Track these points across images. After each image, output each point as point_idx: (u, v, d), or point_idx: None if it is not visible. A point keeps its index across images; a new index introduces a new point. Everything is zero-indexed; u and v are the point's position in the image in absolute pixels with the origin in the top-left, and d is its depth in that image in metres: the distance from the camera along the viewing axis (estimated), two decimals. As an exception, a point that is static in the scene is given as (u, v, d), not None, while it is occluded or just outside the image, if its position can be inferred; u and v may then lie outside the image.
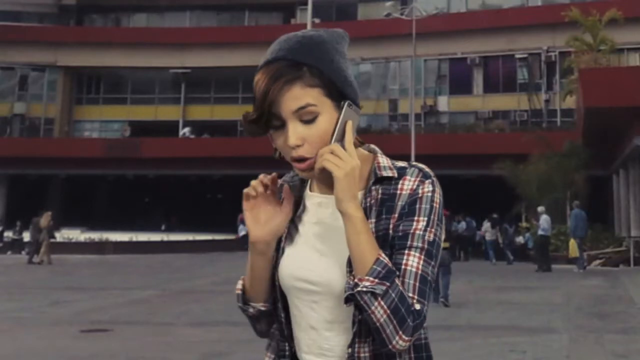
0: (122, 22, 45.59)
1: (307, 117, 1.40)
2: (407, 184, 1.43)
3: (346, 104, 1.42)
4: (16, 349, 8.29)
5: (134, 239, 29.94)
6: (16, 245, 29.07)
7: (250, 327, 1.68)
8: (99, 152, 37.08)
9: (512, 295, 13.65)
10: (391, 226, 1.41)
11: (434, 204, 1.42)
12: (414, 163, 1.48)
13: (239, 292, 1.61)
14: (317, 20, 25.72)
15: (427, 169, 1.46)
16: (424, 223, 1.40)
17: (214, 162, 35.64)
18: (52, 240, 23.75)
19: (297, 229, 1.53)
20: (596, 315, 10.92)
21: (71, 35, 42.41)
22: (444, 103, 38.40)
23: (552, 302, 12.61)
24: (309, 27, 21.00)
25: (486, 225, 25.63)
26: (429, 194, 1.42)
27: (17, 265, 22.66)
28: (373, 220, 1.42)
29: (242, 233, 32.65)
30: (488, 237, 25.26)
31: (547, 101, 36.67)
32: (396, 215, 1.42)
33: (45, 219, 23.58)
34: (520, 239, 26.01)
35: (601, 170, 28.25)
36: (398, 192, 1.43)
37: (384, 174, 1.45)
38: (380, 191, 1.44)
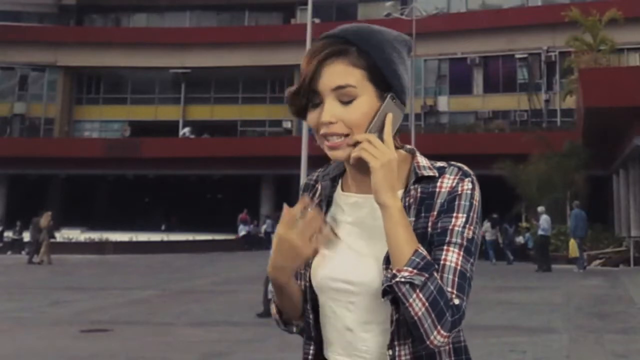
0: (122, 22, 45.60)
1: (346, 99, 1.39)
2: (447, 182, 1.42)
3: (389, 95, 1.41)
4: (16, 349, 8.29)
5: (134, 239, 29.92)
6: (16, 245, 29.06)
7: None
8: (99, 152, 37.07)
9: (512, 295, 13.65)
10: (430, 224, 1.39)
11: (474, 202, 1.40)
12: (452, 162, 1.47)
13: (276, 317, 1.59)
14: (317, 20, 25.65)
15: (466, 168, 1.45)
16: (463, 220, 1.38)
17: (214, 162, 35.63)
18: (52, 240, 23.75)
19: (330, 229, 1.50)
20: (596, 315, 10.92)
21: (71, 35, 42.42)
22: (444, 103, 38.41)
23: (552, 302, 12.61)
24: (308, 27, 20.96)
25: (486, 225, 25.60)
26: (469, 192, 1.41)
27: (17, 265, 22.65)
28: (412, 219, 1.40)
29: (242, 233, 32.70)
30: (488, 237, 25.23)
31: (547, 101, 36.67)
32: (435, 213, 1.40)
33: (45, 219, 23.57)
34: (520, 239, 26.00)
35: (601, 170, 28.25)
36: (437, 190, 1.41)
37: (425, 173, 1.43)
38: (419, 190, 1.43)
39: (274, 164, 33.40)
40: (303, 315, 1.55)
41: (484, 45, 36.73)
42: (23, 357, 7.96)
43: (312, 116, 1.42)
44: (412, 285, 1.29)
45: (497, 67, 37.65)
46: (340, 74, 1.38)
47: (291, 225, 1.41)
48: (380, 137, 1.38)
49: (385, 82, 1.42)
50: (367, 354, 1.42)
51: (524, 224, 27.02)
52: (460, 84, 38.09)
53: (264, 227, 33.11)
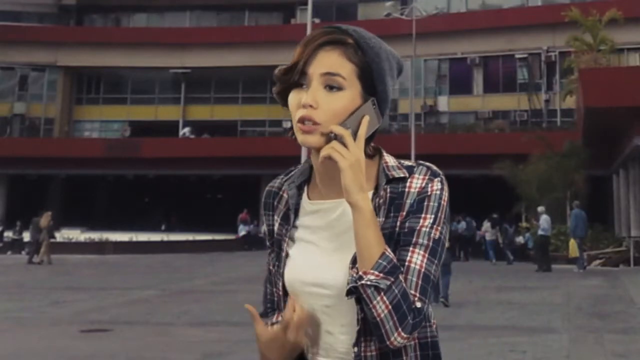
0: (122, 22, 45.59)
1: (332, 87, 1.40)
2: (416, 182, 1.43)
3: (371, 100, 1.42)
4: (16, 349, 8.29)
5: (134, 239, 29.92)
6: (16, 245, 29.05)
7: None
8: (99, 152, 37.08)
9: (512, 295, 13.65)
10: (398, 223, 1.41)
11: (442, 202, 1.42)
12: (421, 162, 1.48)
13: None
14: (317, 20, 25.69)
15: (435, 168, 1.46)
16: (431, 220, 1.40)
17: (214, 162, 35.63)
18: (52, 240, 23.74)
19: (301, 235, 1.51)
20: (596, 315, 10.92)
21: (71, 35, 42.42)
22: (444, 103, 38.41)
23: (552, 302, 12.61)
24: (308, 27, 20.98)
25: (486, 225, 25.63)
26: (438, 192, 1.42)
27: (17, 265, 22.65)
28: (382, 219, 1.41)
29: (242, 233, 32.70)
30: (488, 237, 25.26)
31: (547, 101, 36.67)
32: (404, 213, 1.41)
33: (45, 219, 23.56)
34: (520, 239, 26.00)
35: (601, 170, 28.25)
36: (406, 190, 1.42)
37: (395, 174, 1.44)
38: (389, 190, 1.43)
39: (274, 164, 33.18)
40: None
41: (484, 45, 36.73)
42: (23, 357, 7.96)
43: (294, 96, 1.43)
44: (377, 288, 1.31)
45: (497, 67, 37.66)
46: (333, 62, 1.40)
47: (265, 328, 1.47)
48: (353, 137, 1.38)
49: (372, 85, 1.43)
50: (347, 356, 1.44)
51: (524, 224, 27.02)
52: (460, 84, 38.09)
53: (264, 227, 33.01)
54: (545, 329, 9.41)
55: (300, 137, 1.42)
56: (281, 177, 1.61)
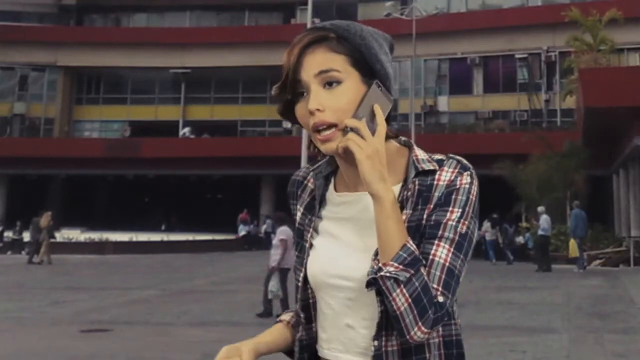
0: (122, 22, 45.59)
1: (331, 84, 1.37)
2: (445, 175, 1.40)
3: (375, 83, 1.38)
4: (16, 349, 8.29)
5: (134, 239, 29.91)
6: (16, 245, 29.04)
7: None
8: (99, 152, 37.08)
9: (512, 295, 13.65)
10: (425, 216, 1.38)
11: (471, 196, 1.39)
12: (451, 155, 1.45)
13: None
14: (317, 20, 25.65)
15: (465, 161, 1.43)
16: (458, 214, 1.36)
17: (214, 162, 35.63)
18: (52, 240, 23.74)
19: (325, 226, 1.49)
20: (596, 315, 10.92)
21: (71, 35, 42.42)
22: (444, 103, 38.41)
23: (552, 302, 12.61)
24: (309, 27, 20.99)
25: (486, 225, 25.60)
26: (467, 186, 1.39)
27: (17, 265, 22.65)
28: (409, 211, 1.38)
29: (242, 233, 32.69)
30: (488, 237, 25.24)
31: (547, 101, 36.67)
32: (431, 205, 1.38)
33: (45, 219, 23.56)
34: (520, 239, 26.00)
35: (601, 170, 28.25)
36: (435, 182, 1.40)
37: (425, 167, 1.41)
38: (417, 183, 1.41)
39: (274, 164, 33.37)
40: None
41: (484, 45, 36.73)
42: (23, 357, 7.96)
43: (300, 109, 1.41)
44: (397, 280, 1.28)
45: (497, 67, 37.66)
46: (322, 59, 1.37)
47: None
48: (369, 125, 1.35)
49: (368, 67, 1.40)
50: (367, 350, 1.41)
51: (524, 224, 27.01)
52: (460, 84, 38.09)
53: (264, 227, 33.10)
54: (545, 329, 9.41)
55: (323, 147, 1.39)
56: (307, 167, 1.60)
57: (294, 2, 40.62)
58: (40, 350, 8.22)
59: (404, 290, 1.28)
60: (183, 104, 42.41)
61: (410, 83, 32.01)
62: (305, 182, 1.57)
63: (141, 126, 41.03)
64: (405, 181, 1.42)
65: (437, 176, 1.40)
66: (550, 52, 36.02)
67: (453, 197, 1.38)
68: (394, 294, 1.28)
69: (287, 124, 39.56)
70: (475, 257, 26.37)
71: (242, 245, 31.44)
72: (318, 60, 1.37)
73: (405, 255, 1.30)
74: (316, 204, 1.51)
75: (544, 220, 20.41)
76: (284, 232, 10.77)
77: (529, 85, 37.13)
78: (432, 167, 1.41)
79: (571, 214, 22.11)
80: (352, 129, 1.34)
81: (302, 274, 1.50)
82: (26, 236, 27.02)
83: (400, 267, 1.29)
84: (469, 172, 1.41)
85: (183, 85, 42.11)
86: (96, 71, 42.76)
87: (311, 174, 1.56)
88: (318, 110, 1.36)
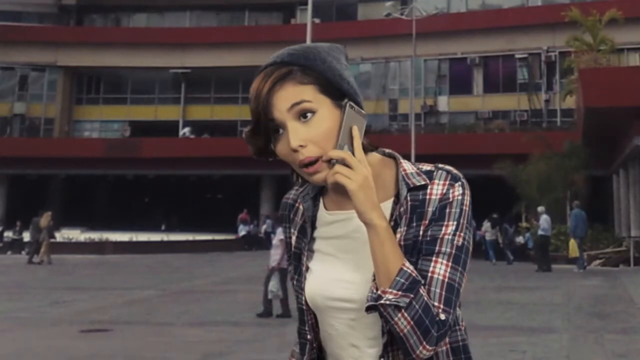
0: (122, 22, 45.59)
1: (304, 115, 1.35)
2: (437, 189, 1.39)
3: (348, 104, 1.36)
4: (16, 349, 8.29)
5: (134, 239, 29.91)
6: (16, 245, 29.05)
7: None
8: (99, 152, 37.07)
9: (512, 295, 13.65)
10: (421, 232, 1.37)
11: (464, 207, 1.38)
12: (440, 165, 1.43)
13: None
14: (317, 20, 25.68)
15: (455, 171, 1.42)
16: (453, 227, 1.36)
17: (214, 162, 35.63)
18: (52, 240, 23.74)
19: (320, 247, 1.48)
20: (596, 315, 10.92)
21: (71, 35, 42.41)
22: (444, 103, 38.40)
23: (552, 302, 12.61)
24: (309, 27, 20.98)
25: (486, 225, 25.61)
26: (459, 197, 1.38)
27: (17, 265, 22.65)
28: (404, 228, 1.38)
29: (242, 233, 32.70)
30: (488, 237, 25.24)
31: (547, 101, 36.67)
32: (426, 221, 1.37)
33: (45, 219, 23.56)
34: (520, 239, 26.00)
35: (601, 170, 28.24)
36: (427, 197, 1.38)
37: (415, 182, 1.40)
38: (409, 199, 1.39)
39: (274, 164, 32.43)
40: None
41: (484, 45, 36.72)
42: (23, 357, 7.96)
43: (280, 147, 1.38)
44: (397, 307, 1.29)
45: (497, 67, 37.65)
46: (291, 93, 1.35)
47: None
48: (351, 150, 1.34)
49: (336, 90, 1.38)
50: None
51: (524, 224, 27.02)
52: (460, 84, 38.08)
53: (264, 227, 33.09)
54: (545, 329, 9.41)
55: (312, 179, 1.38)
56: (296, 189, 1.58)
57: (294, 2, 40.62)
58: (40, 350, 8.22)
59: (405, 315, 1.29)
60: (183, 104, 42.41)
61: (410, 83, 32.02)
62: (297, 205, 1.55)
63: (141, 126, 41.02)
64: (397, 197, 1.41)
65: (428, 190, 1.39)
66: (550, 52, 36.02)
67: (447, 210, 1.37)
68: (396, 319, 1.29)
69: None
70: (476, 257, 26.41)
71: (242, 245, 31.44)
72: (287, 95, 1.35)
73: (402, 280, 1.30)
74: (307, 227, 1.50)
75: (544, 220, 20.40)
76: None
77: (529, 85, 37.13)
78: (423, 182, 1.40)
79: (571, 214, 22.11)
80: (337, 161, 1.33)
81: (303, 298, 1.50)
82: (26, 236, 27.03)
83: (400, 293, 1.29)
84: (460, 183, 1.40)
85: (183, 85, 42.12)
86: (96, 71, 42.76)
87: (300, 196, 1.55)
88: (300, 146, 1.34)
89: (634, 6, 30.87)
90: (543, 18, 35.07)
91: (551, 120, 36.15)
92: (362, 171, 1.32)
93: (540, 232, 20.45)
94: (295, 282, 1.53)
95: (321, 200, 1.51)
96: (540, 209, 21.20)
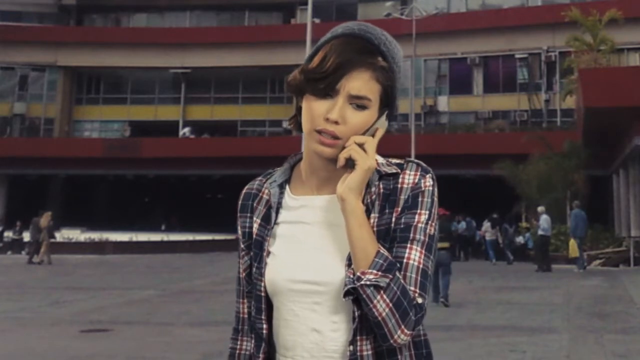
0: (122, 22, 45.59)
1: (359, 105, 1.42)
2: (408, 178, 1.44)
3: (386, 113, 1.47)
4: (16, 349, 8.29)
5: (134, 239, 29.94)
6: (16, 245, 29.07)
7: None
8: (99, 152, 37.08)
9: (512, 295, 13.65)
10: (393, 219, 1.42)
11: (434, 198, 1.44)
12: (409, 159, 1.49)
13: None
14: (317, 20, 25.66)
15: (424, 164, 1.48)
16: (426, 216, 1.41)
17: (214, 162, 35.64)
18: (52, 240, 23.75)
19: (286, 232, 1.50)
20: (596, 315, 10.91)
21: (71, 35, 42.42)
22: (444, 103, 38.40)
23: (552, 302, 12.61)
24: (309, 27, 20.97)
25: (486, 225, 25.62)
26: (430, 188, 1.44)
27: (17, 265, 22.66)
28: (377, 215, 1.42)
29: (242, 233, 32.69)
30: (488, 237, 25.26)
31: (547, 101, 36.67)
32: (399, 208, 1.42)
33: (45, 219, 23.57)
34: (520, 239, 26.00)
35: (601, 170, 28.25)
36: (399, 185, 1.44)
37: (387, 170, 1.46)
38: (381, 186, 1.44)
39: (274, 164, 32.91)
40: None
41: (484, 45, 36.73)
42: (23, 357, 7.95)
43: (319, 105, 1.42)
44: (377, 287, 1.31)
45: (497, 67, 37.65)
46: (364, 85, 1.42)
47: None
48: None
49: (390, 99, 1.47)
50: (335, 354, 1.42)
51: (524, 224, 27.02)
52: (460, 84, 38.08)
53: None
54: (545, 329, 9.41)
55: (319, 149, 1.43)
56: (259, 179, 1.61)
57: (294, 2, 40.62)
58: (40, 350, 8.22)
59: (384, 296, 1.31)
60: (183, 104, 42.41)
61: (410, 83, 31.98)
62: (260, 194, 1.57)
63: (141, 126, 41.04)
64: (368, 184, 1.44)
65: (400, 179, 1.45)
66: (550, 52, 36.02)
67: (419, 199, 1.43)
68: (375, 301, 1.32)
69: (287, 124, 39.58)
70: (475, 257, 26.45)
71: (242, 246, 31.40)
72: (360, 84, 1.42)
73: (381, 261, 1.34)
74: (272, 213, 1.52)
75: (544, 220, 20.41)
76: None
77: (529, 85, 37.13)
78: (394, 170, 1.46)
79: (571, 214, 22.11)
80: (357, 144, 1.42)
81: (262, 284, 1.48)
82: (26, 236, 27.04)
83: (379, 273, 1.33)
84: (430, 175, 1.46)
85: (183, 85, 42.12)
86: (96, 71, 42.76)
87: (266, 184, 1.57)
88: (336, 122, 1.41)
89: (634, 6, 30.86)
90: (543, 18, 35.08)
91: (551, 120, 36.15)
92: (372, 158, 1.40)
93: (540, 232, 20.45)
94: (255, 270, 1.51)
95: (287, 187, 1.55)
96: (540, 209, 21.20)
